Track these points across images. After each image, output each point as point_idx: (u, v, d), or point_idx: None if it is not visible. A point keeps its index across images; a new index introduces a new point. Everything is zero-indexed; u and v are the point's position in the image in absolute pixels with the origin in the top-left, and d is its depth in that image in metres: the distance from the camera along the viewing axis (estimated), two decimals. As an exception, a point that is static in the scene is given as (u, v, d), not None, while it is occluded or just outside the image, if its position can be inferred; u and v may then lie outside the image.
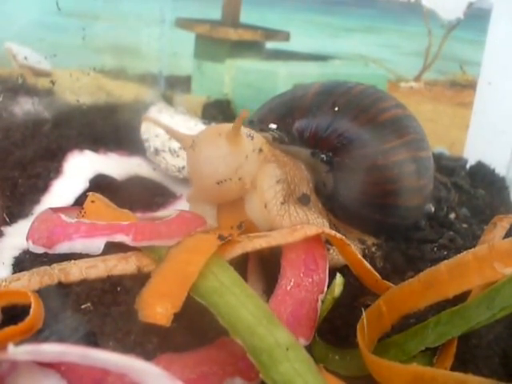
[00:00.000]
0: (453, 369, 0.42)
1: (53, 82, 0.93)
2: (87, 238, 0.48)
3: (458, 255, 0.46)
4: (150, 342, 0.42)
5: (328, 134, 0.54)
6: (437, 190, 0.71)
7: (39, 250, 0.50)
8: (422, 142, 0.57)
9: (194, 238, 0.48)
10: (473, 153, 0.89)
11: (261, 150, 0.53)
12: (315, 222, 0.52)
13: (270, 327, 0.39)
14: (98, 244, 0.48)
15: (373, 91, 0.58)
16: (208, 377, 0.41)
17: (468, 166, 0.88)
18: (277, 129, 0.56)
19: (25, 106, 0.88)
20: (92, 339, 0.41)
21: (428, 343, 0.43)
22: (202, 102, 1.01)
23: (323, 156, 0.55)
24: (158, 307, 0.40)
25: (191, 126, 0.81)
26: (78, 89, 0.97)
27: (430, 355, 0.44)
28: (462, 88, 1.00)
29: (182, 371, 0.40)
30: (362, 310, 0.45)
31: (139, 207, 0.64)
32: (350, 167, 0.54)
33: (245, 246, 0.47)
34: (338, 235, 0.49)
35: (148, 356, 0.40)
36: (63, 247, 0.49)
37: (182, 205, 0.65)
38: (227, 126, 0.52)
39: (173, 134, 0.55)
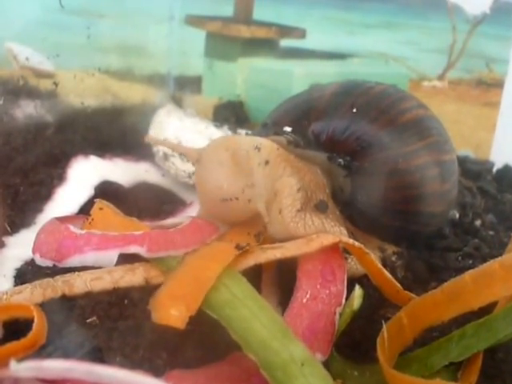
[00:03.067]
0: (478, 384, 0.42)
1: (56, 84, 0.94)
2: (99, 251, 0.48)
3: (484, 264, 0.46)
4: (159, 358, 0.42)
5: (346, 136, 0.54)
6: (461, 195, 0.71)
7: (48, 263, 0.50)
8: (445, 144, 0.57)
9: (210, 246, 0.49)
10: (500, 156, 0.88)
11: (267, 163, 0.52)
12: (332, 231, 0.52)
13: (284, 341, 0.40)
14: (111, 256, 0.48)
15: (393, 91, 0.58)
16: (220, 394, 0.41)
17: (495, 169, 0.88)
18: (292, 132, 0.57)
19: (26, 110, 0.88)
20: (98, 355, 0.41)
21: (452, 357, 0.43)
22: (214, 103, 1.01)
23: (341, 160, 0.55)
24: (172, 309, 0.41)
25: (201, 129, 0.81)
26: (83, 91, 0.98)
27: (454, 370, 0.44)
28: (489, 87, 1.00)
29: (194, 389, 0.41)
30: (383, 322, 0.45)
31: (147, 215, 0.64)
32: (369, 172, 0.54)
33: (258, 256, 0.47)
34: (357, 244, 0.49)
35: (157, 372, 0.41)
36: (74, 261, 0.49)
37: (192, 212, 0.66)
38: (235, 142, 0.53)
39: (179, 149, 0.56)
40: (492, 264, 0.45)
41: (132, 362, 0.41)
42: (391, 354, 0.45)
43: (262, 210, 0.52)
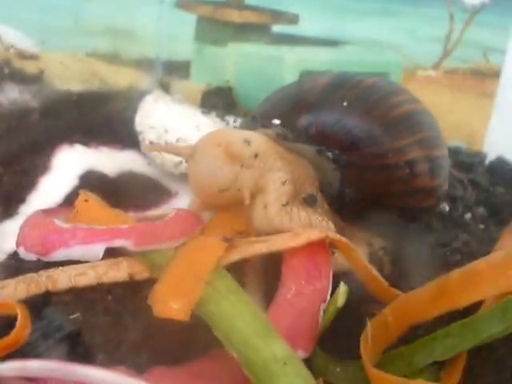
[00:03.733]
0: (461, 384, 0.43)
1: (42, 70, 0.94)
2: (85, 245, 0.48)
3: (471, 263, 0.46)
4: (141, 355, 0.43)
5: (335, 130, 0.55)
6: (452, 187, 0.72)
7: (32, 257, 0.50)
8: (436, 139, 0.57)
9: (199, 240, 0.49)
10: (493, 147, 0.89)
11: (256, 156, 0.53)
12: (319, 226, 0.53)
13: (267, 339, 0.40)
14: (97, 250, 0.48)
15: (385, 84, 0.58)
16: (202, 391, 0.42)
17: (487, 161, 0.89)
18: (281, 124, 0.57)
19: (10, 95, 0.89)
20: (81, 351, 0.42)
21: (436, 356, 0.44)
22: (202, 89, 1.01)
23: (330, 154, 0.55)
24: (172, 303, 0.42)
25: (189, 115, 0.82)
26: (69, 75, 0.98)
27: (438, 369, 0.44)
28: (485, 77, 1.00)
29: (176, 386, 0.42)
30: (367, 319, 0.46)
31: (132, 205, 0.64)
32: (358, 166, 0.55)
33: (243, 251, 0.48)
34: (343, 239, 0.50)
35: (139, 369, 0.42)
36: (59, 255, 0.49)
37: (178, 203, 0.66)
38: (227, 137, 0.54)
39: (172, 150, 0.57)
40: (479, 263, 0.46)
41: (114, 358, 0.42)
42: (375, 351, 0.45)
43: (246, 198, 0.52)
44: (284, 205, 0.52)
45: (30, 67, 1.01)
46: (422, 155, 0.55)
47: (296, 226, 0.52)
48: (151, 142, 0.76)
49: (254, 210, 0.53)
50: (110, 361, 0.42)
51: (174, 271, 0.45)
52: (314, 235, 0.49)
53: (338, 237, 0.50)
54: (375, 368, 0.43)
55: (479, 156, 0.90)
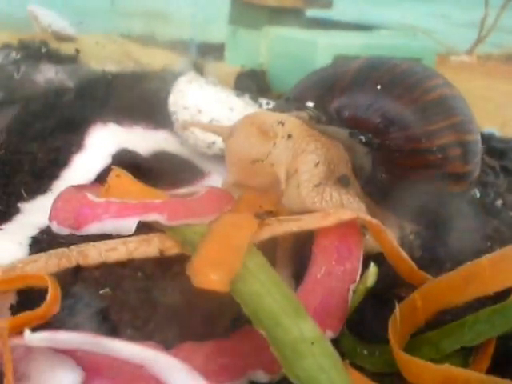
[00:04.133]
0: (489, 371, 0.42)
1: (78, 51, 0.95)
2: (118, 219, 0.49)
3: (502, 248, 0.46)
4: (169, 331, 0.43)
5: (369, 113, 0.54)
6: (484, 174, 0.71)
7: (65, 231, 0.50)
8: (469, 124, 0.56)
9: (232, 215, 0.50)
10: (526, 134, 0.88)
11: (290, 136, 0.54)
12: (350, 207, 0.53)
13: (295, 318, 0.40)
14: (129, 224, 0.48)
15: (419, 69, 0.57)
16: (229, 368, 0.42)
17: (520, 148, 0.87)
18: (314, 107, 0.57)
19: (47, 74, 0.89)
20: (110, 326, 0.42)
21: (464, 342, 0.43)
22: (236, 71, 1.01)
23: (362, 137, 0.55)
24: (212, 275, 0.41)
25: (222, 97, 0.82)
26: (104, 56, 0.98)
27: (466, 355, 0.44)
28: (519, 63, 0.99)
29: (203, 362, 0.41)
30: (396, 303, 0.45)
31: (164, 185, 0.64)
32: (390, 150, 0.54)
33: (274, 229, 0.48)
34: (374, 221, 0.49)
35: (168, 345, 0.42)
36: (92, 228, 0.49)
37: (210, 183, 0.66)
38: (261, 117, 0.56)
39: (211, 128, 0.58)
40: (510, 249, 0.45)
41: (143, 334, 0.42)
42: (403, 334, 0.45)
43: (281, 175, 0.53)
44: (316, 185, 0.52)
45: (66, 48, 1.02)
46: (454, 140, 0.54)
47: (327, 206, 0.52)
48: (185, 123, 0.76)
49: (286, 189, 0.53)
50: (139, 336, 0.42)
51: (210, 244, 0.45)
52: (345, 215, 0.49)
53: (368, 218, 0.49)
54: (403, 352, 0.42)
55: (512, 143, 0.88)
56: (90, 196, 0.52)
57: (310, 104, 0.57)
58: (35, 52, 0.97)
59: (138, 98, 0.86)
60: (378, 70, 0.57)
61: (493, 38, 0.98)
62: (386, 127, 0.54)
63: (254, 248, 0.45)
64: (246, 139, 0.55)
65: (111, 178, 0.55)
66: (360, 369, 0.44)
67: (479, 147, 0.58)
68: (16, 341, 0.37)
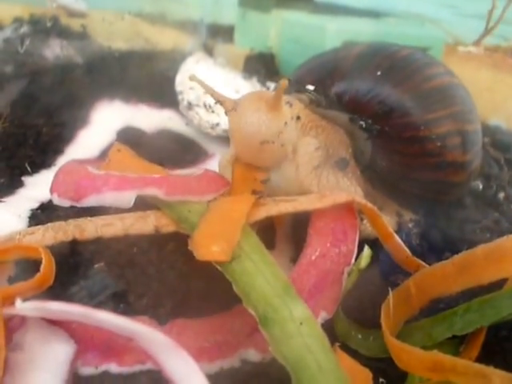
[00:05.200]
0: (479, 359, 0.43)
1: (84, 26, 0.95)
2: (117, 191, 0.48)
3: (497, 240, 0.45)
4: (162, 306, 0.43)
5: (368, 99, 0.54)
6: (488, 166, 0.71)
7: (65, 203, 0.50)
8: (469, 113, 0.56)
9: (229, 196, 0.51)
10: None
11: (298, 118, 0.54)
12: (347, 190, 0.53)
13: (285, 299, 0.40)
14: (128, 197, 0.48)
15: (420, 56, 0.57)
16: (221, 346, 0.42)
17: (526, 141, 0.86)
18: (314, 91, 0.56)
19: (55, 50, 0.89)
20: (102, 300, 0.42)
21: (455, 331, 0.43)
22: (245, 54, 1.00)
23: (362, 122, 0.54)
24: (213, 246, 0.42)
25: (229, 79, 0.82)
26: (113, 33, 0.98)
27: (457, 343, 0.44)
28: (526, 57, 0.98)
29: (195, 338, 0.42)
30: (389, 289, 0.45)
31: (168, 164, 0.64)
32: (389, 136, 0.54)
33: (270, 209, 0.48)
34: (369, 205, 0.49)
35: (160, 320, 0.42)
36: (91, 200, 0.49)
37: (213, 164, 0.66)
38: (269, 93, 0.54)
39: (216, 96, 0.57)
40: (505, 240, 0.45)
41: (136, 309, 0.42)
42: (396, 321, 0.45)
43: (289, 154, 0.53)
44: (315, 167, 0.52)
45: (75, 24, 1.02)
46: (454, 129, 0.54)
47: (324, 189, 0.52)
48: (190, 103, 0.76)
49: (285, 170, 0.53)
50: (131, 311, 0.42)
51: (210, 219, 0.45)
52: (341, 198, 0.49)
53: (364, 202, 0.49)
54: (395, 338, 0.42)
55: (518, 136, 0.87)
56: (91, 169, 0.52)
57: (311, 87, 0.57)
58: (45, 27, 0.97)
59: (145, 77, 0.86)
60: (378, 55, 0.56)
61: (500, 31, 0.97)
62: (386, 113, 0.53)
63: (249, 228, 0.45)
64: (254, 114, 0.53)
65: (112, 151, 0.56)
66: (354, 353, 0.44)
67: (479, 137, 0.57)
68: (9, 310, 0.37)
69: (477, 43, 1.00)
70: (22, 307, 0.36)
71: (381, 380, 0.44)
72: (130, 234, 0.46)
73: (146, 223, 0.47)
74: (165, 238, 0.46)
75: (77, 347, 0.40)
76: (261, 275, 0.41)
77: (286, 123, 0.53)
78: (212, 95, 0.56)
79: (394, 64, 0.55)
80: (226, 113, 0.56)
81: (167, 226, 0.47)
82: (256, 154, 0.54)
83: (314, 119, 0.55)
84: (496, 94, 0.89)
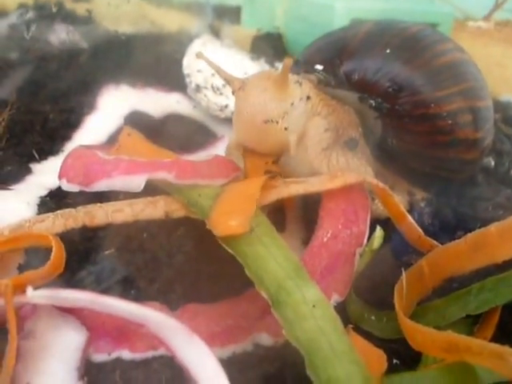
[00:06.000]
0: (494, 339, 0.43)
1: (89, 11, 0.94)
2: (127, 175, 0.48)
3: (510, 217, 0.45)
4: (173, 292, 0.43)
5: (378, 77, 0.53)
6: (500, 142, 0.70)
7: (74, 188, 0.49)
8: (480, 90, 0.55)
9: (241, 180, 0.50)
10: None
11: (308, 98, 0.53)
12: (357, 170, 0.53)
13: (298, 281, 0.40)
14: (138, 181, 0.48)
15: (429, 33, 0.56)
16: (233, 331, 0.42)
17: (537, 117, 0.86)
18: (323, 70, 0.56)
19: (61, 35, 0.89)
20: (113, 286, 0.43)
21: (470, 310, 0.43)
22: (252, 34, 1.00)
23: (372, 101, 0.54)
24: (231, 221, 0.42)
25: (237, 61, 0.81)
26: (119, 17, 0.98)
27: (471, 323, 0.44)
28: (536, 31, 0.97)
29: (207, 324, 0.42)
30: (402, 270, 0.45)
31: (177, 147, 0.64)
32: (399, 115, 0.53)
33: (280, 191, 0.48)
34: (381, 185, 0.49)
35: (172, 306, 0.42)
36: (101, 185, 0.48)
37: (223, 146, 0.66)
38: (277, 72, 0.53)
39: (223, 74, 0.56)
40: (519, 218, 0.45)
41: (147, 294, 0.42)
42: (409, 301, 0.45)
43: (292, 142, 0.52)
44: (324, 149, 0.52)
45: (81, 9, 1.02)
46: (464, 106, 0.53)
47: (334, 170, 0.52)
48: (198, 86, 0.75)
49: (296, 151, 0.53)
50: (142, 297, 0.42)
51: (226, 199, 0.46)
52: (351, 179, 0.48)
53: (375, 181, 0.49)
54: (409, 318, 0.42)
55: (530, 112, 0.86)
56: (100, 153, 0.51)
57: (320, 67, 0.56)
58: (50, 12, 0.97)
59: (152, 60, 0.86)
60: (387, 33, 0.56)
61: (510, 5, 0.96)
62: (395, 92, 0.53)
63: (260, 211, 0.45)
64: (261, 93, 0.53)
65: (122, 136, 0.56)
66: (367, 334, 0.44)
67: (491, 114, 0.57)
68: (20, 299, 0.38)
69: (487, 18, 0.99)
70: (33, 295, 0.36)
71: (395, 361, 0.44)
72: (140, 220, 0.46)
73: (155, 208, 0.47)
74: (175, 223, 0.46)
75: (89, 334, 0.40)
76: (272, 258, 0.41)
77: (292, 104, 0.53)
78: (219, 73, 0.56)
79: (403, 41, 0.54)
80: (233, 92, 0.55)
81: (177, 210, 0.47)
82: (258, 136, 0.54)
83: (323, 98, 0.55)
84: (507, 69, 0.88)
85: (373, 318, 0.47)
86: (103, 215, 0.46)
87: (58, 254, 0.41)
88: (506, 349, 0.36)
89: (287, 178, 0.51)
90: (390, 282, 0.47)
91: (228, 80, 0.56)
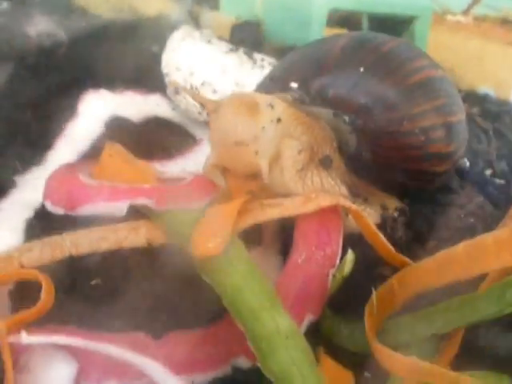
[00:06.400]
0: (458, 357, 0.46)
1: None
2: (110, 202, 0.51)
3: (478, 237, 0.48)
4: (158, 320, 0.46)
5: (351, 95, 0.56)
6: (476, 140, 0.73)
7: (59, 211, 0.53)
8: (453, 105, 0.58)
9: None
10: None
11: (279, 120, 0.55)
12: (331, 191, 0.56)
13: (272, 312, 0.43)
14: (121, 207, 0.51)
15: (404, 48, 0.59)
16: (214, 357, 0.46)
17: (514, 111, 0.88)
18: (298, 88, 0.58)
19: (39, 26, 0.89)
20: (99, 316, 0.46)
21: (436, 328, 0.46)
22: (231, 22, 1.01)
23: (346, 118, 0.57)
24: (208, 243, 0.46)
25: (216, 56, 0.82)
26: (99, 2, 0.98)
27: (438, 341, 0.47)
28: (514, 27, 0.99)
29: (190, 351, 0.45)
30: (373, 286, 0.49)
31: (157, 152, 0.67)
32: (373, 131, 0.56)
33: (256, 215, 0.51)
34: (354, 207, 0.52)
35: (156, 334, 0.45)
36: (85, 209, 0.52)
37: (201, 150, 0.69)
38: (252, 98, 0.56)
39: (198, 99, 0.59)
40: (486, 237, 0.47)
41: (132, 324, 0.46)
42: (380, 316, 0.49)
43: (263, 167, 0.55)
44: (299, 170, 0.55)
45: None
46: (437, 122, 0.56)
47: (308, 190, 0.55)
48: (176, 88, 0.77)
49: (270, 173, 0.55)
50: (128, 327, 0.45)
51: (203, 223, 0.49)
52: (325, 201, 0.51)
53: (348, 203, 0.52)
54: (378, 335, 0.46)
55: (507, 105, 0.88)
56: (82, 177, 0.54)
57: (294, 85, 0.59)
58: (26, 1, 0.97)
59: (132, 55, 0.86)
60: (362, 49, 0.58)
61: (489, 0, 0.98)
62: (369, 109, 0.56)
63: (236, 238, 0.48)
64: (233, 116, 0.55)
65: (103, 157, 0.58)
66: (341, 349, 0.48)
67: (464, 126, 0.60)
68: (15, 339, 0.41)
69: (465, 13, 1.01)
70: (27, 340, 0.40)
71: (366, 374, 0.48)
72: (124, 248, 0.50)
73: (137, 235, 0.50)
74: (157, 251, 0.49)
75: (79, 367, 0.44)
76: (248, 289, 0.45)
77: (263, 128, 0.55)
78: (194, 98, 0.59)
79: (378, 59, 0.57)
80: (207, 114, 0.58)
81: (158, 238, 0.51)
82: (231, 156, 0.57)
83: (298, 117, 0.57)
84: (485, 62, 0.90)
85: (346, 331, 0.50)
86: (88, 244, 0.49)
87: (47, 290, 0.44)
88: (465, 377, 0.40)
89: (268, 197, 0.54)
90: (365, 293, 0.50)
91: (203, 102, 0.58)
